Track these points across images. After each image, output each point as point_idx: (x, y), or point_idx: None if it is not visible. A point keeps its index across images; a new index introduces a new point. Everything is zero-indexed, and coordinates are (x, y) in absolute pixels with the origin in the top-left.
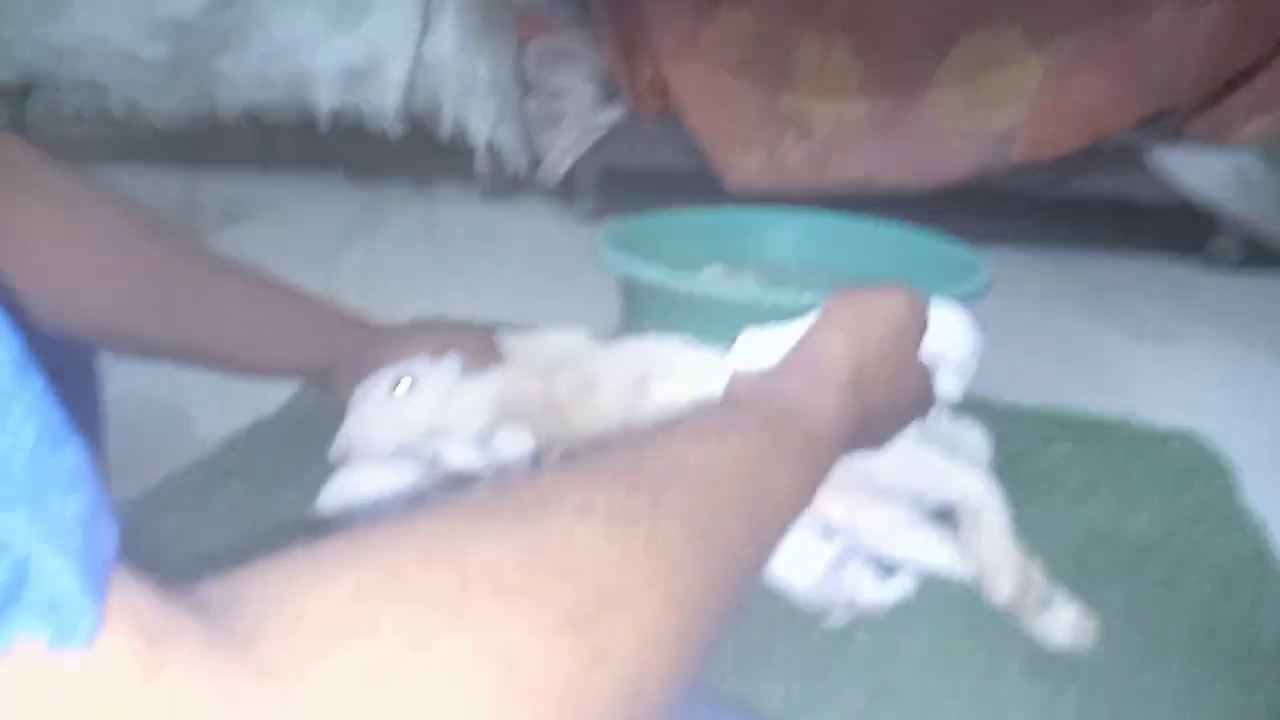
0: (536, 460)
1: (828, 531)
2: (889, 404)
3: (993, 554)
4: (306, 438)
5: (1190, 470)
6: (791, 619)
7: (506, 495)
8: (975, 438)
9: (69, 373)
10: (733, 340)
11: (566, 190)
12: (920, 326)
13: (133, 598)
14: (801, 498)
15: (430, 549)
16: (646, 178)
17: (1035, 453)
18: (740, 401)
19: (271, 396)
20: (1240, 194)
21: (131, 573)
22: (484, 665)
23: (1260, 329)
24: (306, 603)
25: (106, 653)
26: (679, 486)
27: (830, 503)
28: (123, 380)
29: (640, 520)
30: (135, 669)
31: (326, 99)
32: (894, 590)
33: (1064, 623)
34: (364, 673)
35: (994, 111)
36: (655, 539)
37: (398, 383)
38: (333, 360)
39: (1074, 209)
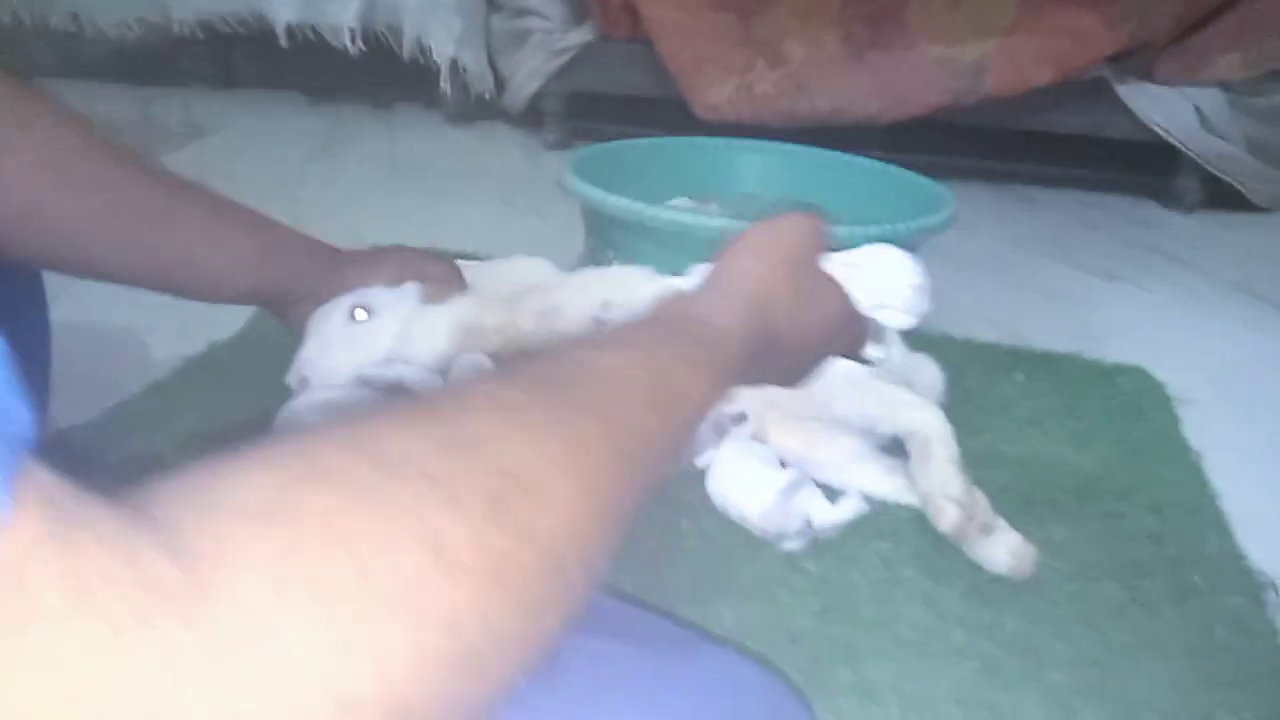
0: None
1: (779, 461)
2: (798, 321)
3: (939, 483)
4: (262, 363)
5: (1138, 405)
6: (744, 546)
7: (428, 401)
8: (929, 371)
9: (11, 293)
10: (694, 269)
11: (533, 115)
12: (820, 247)
13: (47, 485)
14: (707, 401)
15: (352, 444)
16: (615, 103)
17: (989, 386)
18: (657, 316)
19: (226, 323)
20: (1203, 133)
21: (49, 468)
22: (409, 548)
23: (1213, 271)
24: (228, 495)
25: (17, 532)
26: (594, 387)
27: (785, 435)
28: (77, 305)
29: (556, 415)
30: (49, 550)
31: (284, 14)
32: (845, 510)
33: (1005, 549)
34: (286, 557)
35: (969, 42)
36: (571, 432)
37: (356, 309)
38: (290, 284)
39: (1039, 145)
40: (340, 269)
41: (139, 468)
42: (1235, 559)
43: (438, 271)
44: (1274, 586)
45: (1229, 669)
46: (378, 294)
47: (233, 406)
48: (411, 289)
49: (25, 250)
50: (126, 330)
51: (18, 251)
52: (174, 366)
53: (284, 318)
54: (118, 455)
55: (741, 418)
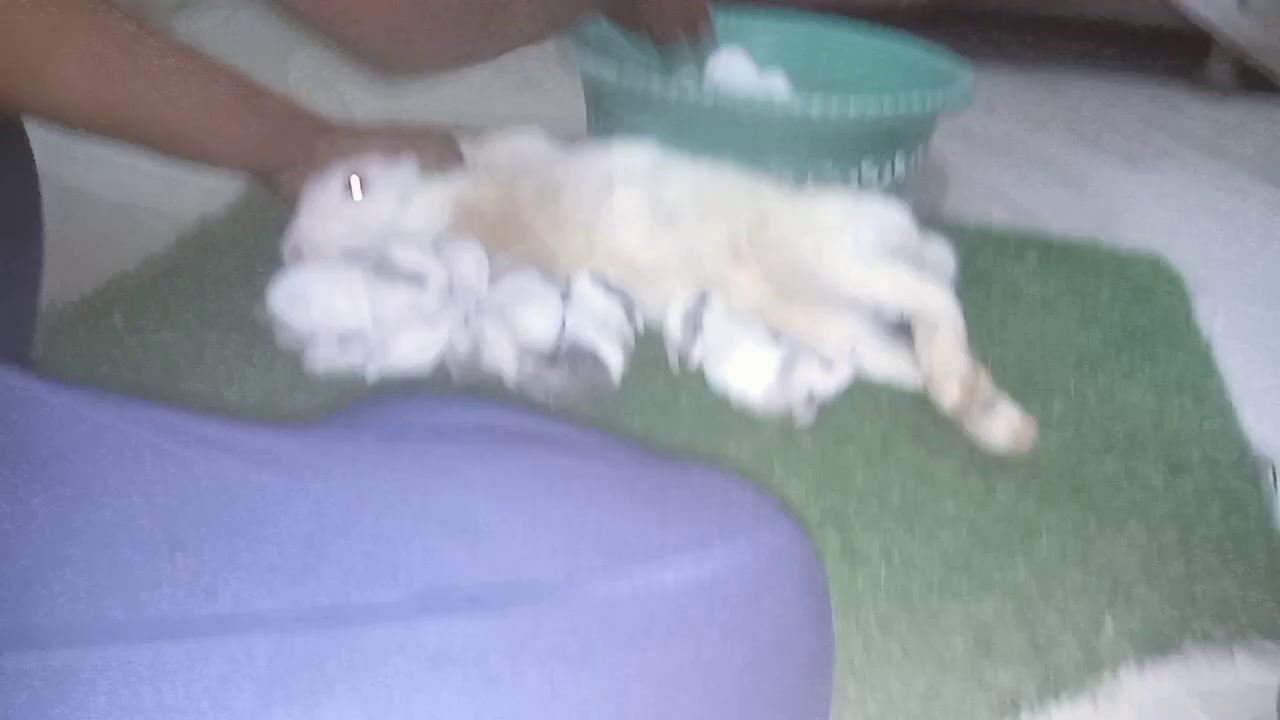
0: (492, 269)
1: (775, 337)
2: None
3: (943, 362)
4: (256, 236)
5: (1150, 290)
6: (741, 422)
7: None
8: (941, 253)
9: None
10: (696, 148)
11: None
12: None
13: None
14: None
15: None
16: None
17: (1000, 269)
18: None
19: (219, 197)
20: (1239, 15)
21: None
22: None
23: (1240, 158)
24: None
25: None
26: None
27: (788, 314)
28: (69, 179)
29: None
30: None
31: None
32: (843, 374)
33: (1005, 425)
34: None
35: None
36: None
37: (351, 182)
38: (283, 151)
39: (1067, 27)
40: (334, 139)
41: (138, 336)
42: (1236, 440)
43: (435, 146)
44: (1274, 468)
45: (1218, 542)
46: (374, 167)
47: (226, 281)
48: (409, 163)
49: (19, 106)
50: (118, 204)
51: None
52: (167, 241)
53: (274, 188)
54: (115, 327)
55: (704, 299)
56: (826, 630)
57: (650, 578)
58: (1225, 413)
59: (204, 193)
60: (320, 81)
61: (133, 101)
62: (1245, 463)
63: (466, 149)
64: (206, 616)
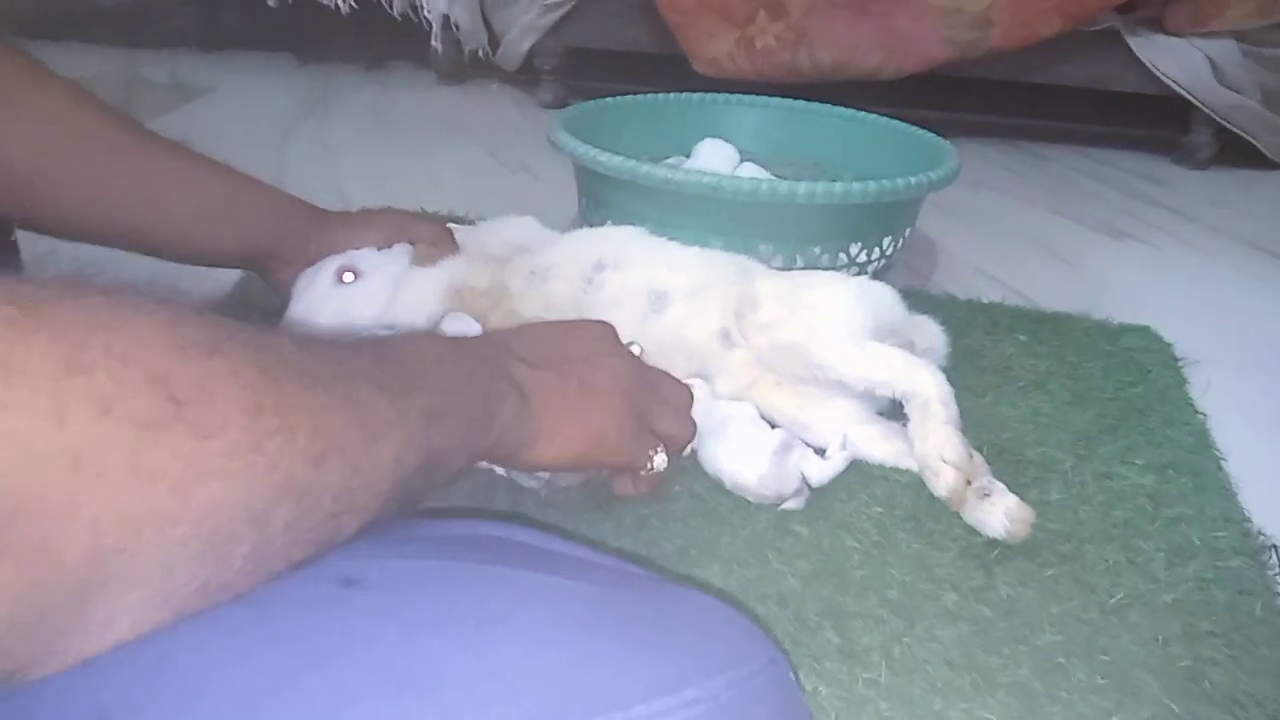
0: None
1: (768, 424)
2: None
3: (937, 446)
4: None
5: (1143, 365)
6: (736, 510)
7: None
8: (931, 332)
9: None
10: (687, 231)
11: (528, 73)
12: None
13: None
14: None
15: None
16: (613, 60)
17: (992, 346)
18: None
19: (213, 287)
20: (1216, 85)
21: None
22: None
23: (1225, 228)
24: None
25: None
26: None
27: (780, 399)
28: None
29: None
30: None
31: None
32: (838, 461)
33: (1002, 512)
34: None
35: None
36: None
37: (344, 271)
38: (275, 244)
39: (1047, 99)
40: (328, 230)
41: None
42: (1237, 521)
43: (428, 233)
44: (1275, 548)
45: (1224, 628)
46: (366, 256)
47: None
48: (401, 251)
49: (11, 211)
50: None
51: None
52: None
53: (270, 280)
54: None
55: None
56: None
57: (656, 703)
58: (1225, 493)
59: (200, 279)
60: (316, 169)
61: (124, 211)
62: (1248, 546)
63: (459, 235)
64: None
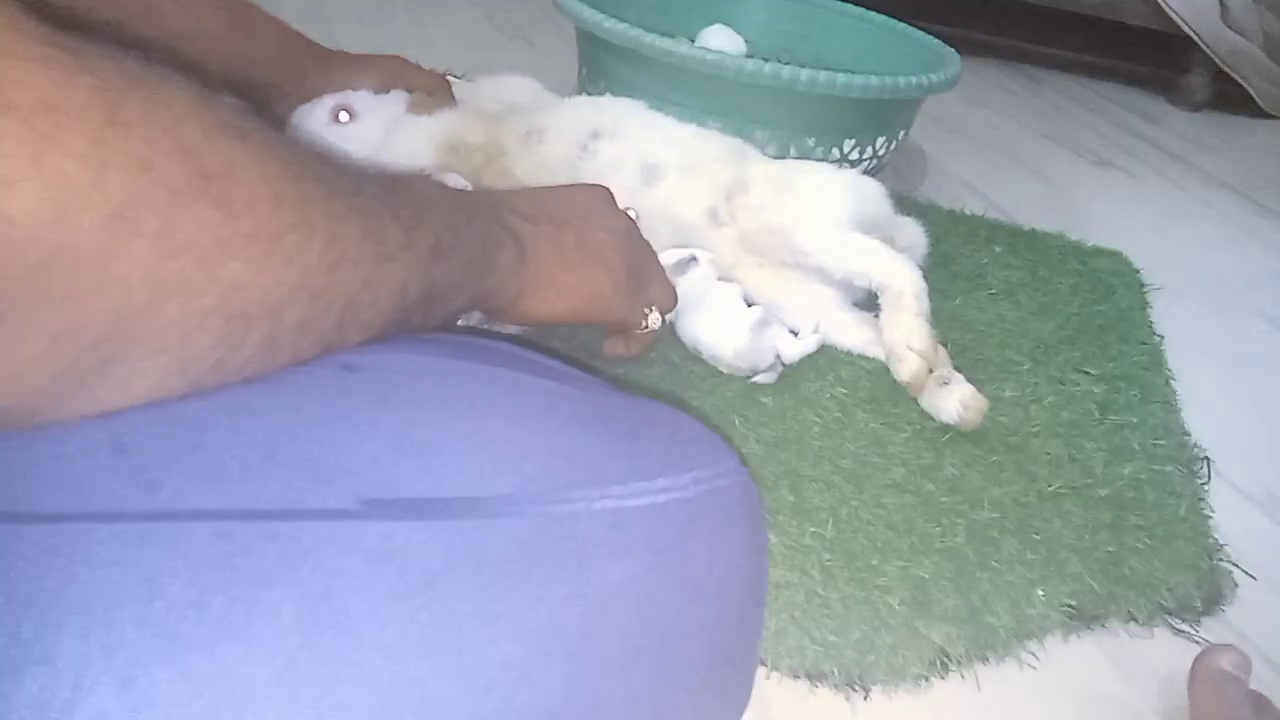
0: None
1: (747, 300)
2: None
3: (905, 334)
4: None
5: (1110, 286)
6: (707, 378)
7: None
8: (913, 232)
9: None
10: (686, 109)
11: None
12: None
13: None
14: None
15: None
16: None
17: (968, 255)
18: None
19: None
20: (1222, 26)
21: None
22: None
23: (1209, 170)
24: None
25: None
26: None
27: (761, 280)
28: None
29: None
30: None
31: None
32: (810, 342)
33: (957, 399)
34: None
35: None
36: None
37: (339, 110)
38: (274, 76)
39: (1052, 26)
40: (327, 67)
41: None
42: (1176, 433)
43: (426, 82)
44: (1208, 460)
45: (1149, 523)
46: (363, 98)
47: None
48: (398, 97)
49: None
50: None
51: None
52: None
53: (266, 113)
54: None
55: (692, 260)
56: (761, 565)
57: (593, 502)
58: (1169, 408)
59: None
60: (310, 24)
61: (119, 25)
62: (1183, 455)
63: (457, 89)
64: (147, 509)
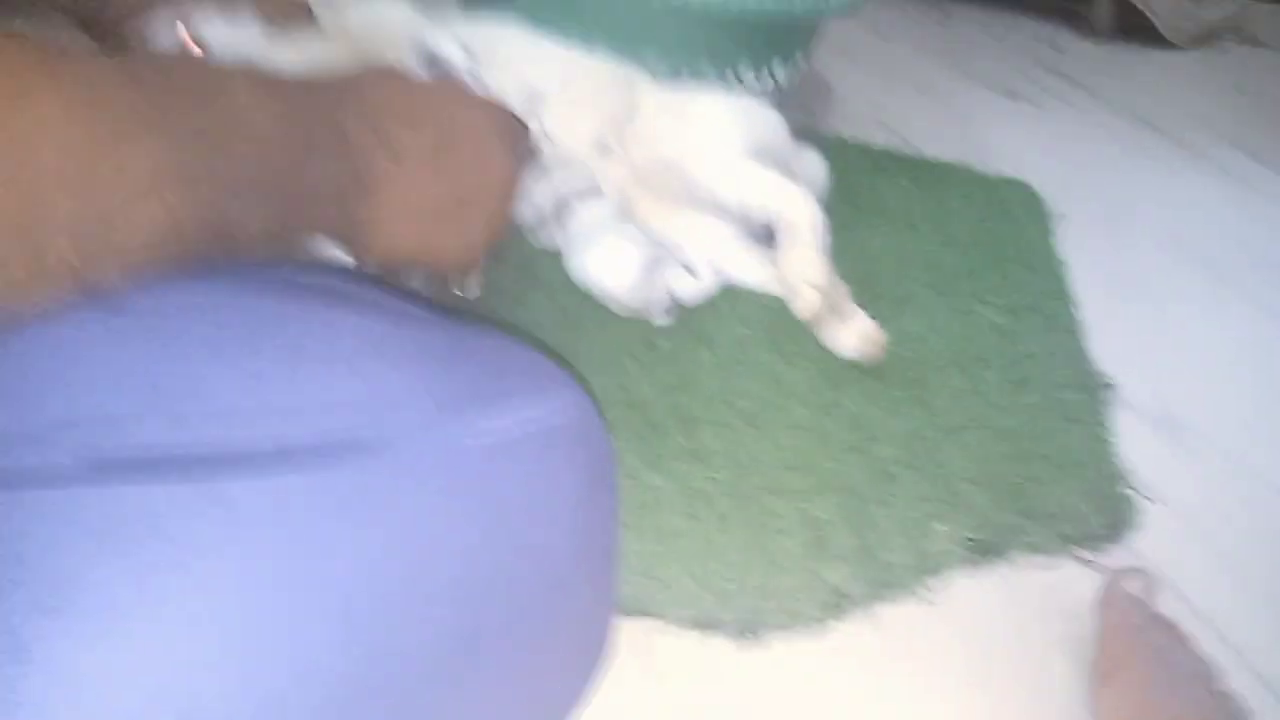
0: None
1: (641, 237)
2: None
3: (802, 268)
4: None
5: (1014, 215)
6: (599, 322)
7: None
8: (813, 163)
9: None
10: (570, 30)
11: None
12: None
13: None
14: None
15: None
16: None
17: (871, 187)
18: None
19: None
20: None
21: None
22: None
23: (1114, 100)
24: None
25: None
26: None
27: (655, 216)
28: None
29: None
30: None
31: None
32: (706, 282)
33: (858, 333)
34: None
35: None
36: None
37: (179, 32)
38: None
39: None
40: None
41: None
42: (1079, 360)
43: (280, 5)
44: (1110, 385)
45: (1051, 451)
46: (210, 23)
47: None
48: (250, 20)
49: None
50: None
51: None
52: None
53: (92, 32)
54: None
55: (592, 192)
56: (603, 512)
57: (389, 452)
58: (1072, 334)
59: None
60: None
61: None
62: (1086, 383)
63: (317, 10)
64: None
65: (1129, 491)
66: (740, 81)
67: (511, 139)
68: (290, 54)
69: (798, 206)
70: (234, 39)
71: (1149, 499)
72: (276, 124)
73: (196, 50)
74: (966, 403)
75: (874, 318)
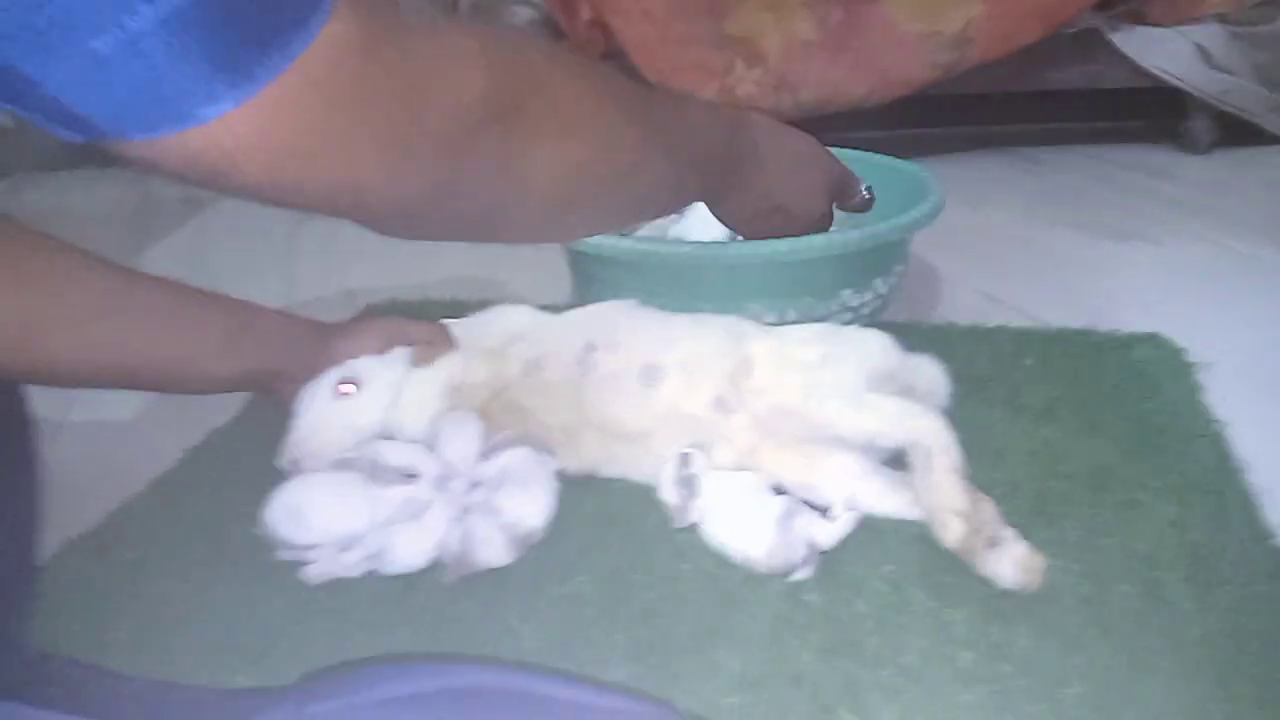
0: (485, 445)
1: (770, 494)
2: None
3: (942, 496)
4: (262, 447)
5: (1154, 377)
6: (745, 583)
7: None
8: (931, 374)
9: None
10: (679, 300)
11: None
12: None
13: None
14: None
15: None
16: None
17: (997, 375)
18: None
19: (223, 409)
20: (1207, 70)
21: None
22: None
23: (1233, 215)
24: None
25: None
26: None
27: (782, 461)
28: (67, 408)
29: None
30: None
31: None
32: (844, 523)
33: (1012, 561)
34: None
35: (948, 12)
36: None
37: (340, 385)
38: (272, 364)
39: (1039, 105)
40: (325, 343)
41: (158, 561)
42: (1261, 540)
43: (424, 334)
44: None
45: (1254, 661)
46: (365, 365)
47: (237, 495)
48: (399, 355)
49: (17, 374)
50: (125, 429)
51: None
52: (177, 458)
53: (273, 399)
54: (131, 559)
55: (687, 459)
56: None
57: None
58: (1250, 511)
59: (209, 408)
60: (324, 270)
61: (117, 364)
62: (1276, 565)
63: (455, 330)
64: None
65: None
66: (845, 306)
67: (842, 193)
68: (433, 374)
69: (923, 431)
70: (387, 374)
71: None
72: (714, 127)
73: (349, 389)
74: (1150, 619)
75: (1030, 531)
